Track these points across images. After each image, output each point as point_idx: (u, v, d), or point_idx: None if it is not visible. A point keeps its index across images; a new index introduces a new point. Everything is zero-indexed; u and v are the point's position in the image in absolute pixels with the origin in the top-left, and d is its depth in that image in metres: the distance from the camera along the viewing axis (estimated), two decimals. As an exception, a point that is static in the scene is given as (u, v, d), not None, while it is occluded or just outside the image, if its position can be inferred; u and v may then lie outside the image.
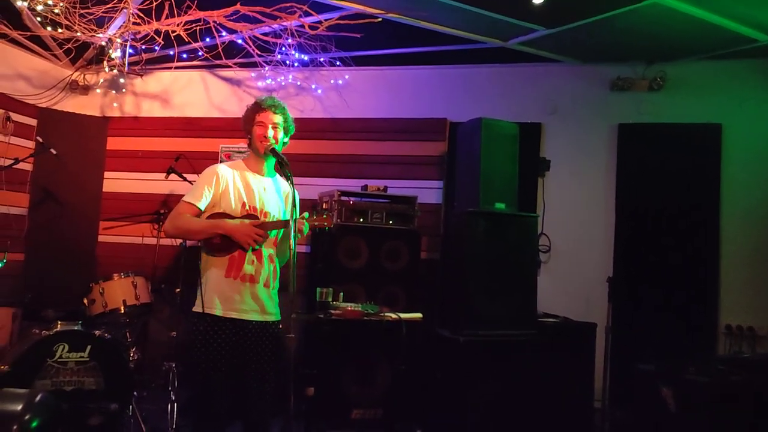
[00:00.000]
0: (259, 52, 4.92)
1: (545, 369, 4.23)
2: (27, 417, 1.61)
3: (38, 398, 1.70)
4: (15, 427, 1.58)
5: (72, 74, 5.91)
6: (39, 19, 4.45)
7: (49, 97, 5.83)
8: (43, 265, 5.55)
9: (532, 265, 4.39)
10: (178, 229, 3.04)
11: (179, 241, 5.41)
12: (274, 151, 3.05)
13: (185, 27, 4.54)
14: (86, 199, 5.94)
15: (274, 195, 3.16)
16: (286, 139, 3.19)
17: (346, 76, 5.50)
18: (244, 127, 3.17)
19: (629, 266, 5.15)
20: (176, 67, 5.35)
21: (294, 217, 2.90)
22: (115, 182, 6.01)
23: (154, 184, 5.85)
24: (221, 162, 5.19)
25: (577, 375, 4.39)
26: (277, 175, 3.24)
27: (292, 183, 2.97)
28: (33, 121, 5.69)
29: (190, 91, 5.99)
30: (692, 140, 5.12)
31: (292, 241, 2.83)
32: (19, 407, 1.63)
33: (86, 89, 6.04)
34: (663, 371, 3.68)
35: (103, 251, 5.91)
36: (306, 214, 3.02)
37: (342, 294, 3.76)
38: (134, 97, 6.05)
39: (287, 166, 2.98)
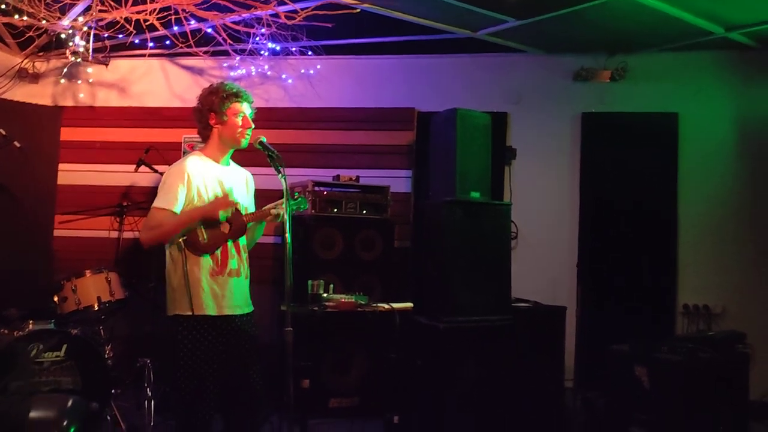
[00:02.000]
0: (230, 42, 4.83)
1: (519, 352, 4.35)
2: (65, 423, 1.57)
3: (69, 404, 1.67)
4: (55, 435, 1.55)
5: (22, 62, 5.65)
6: (3, 6, 4.23)
7: (-4, 85, 5.56)
8: (-3, 261, 5.32)
9: (507, 253, 4.49)
10: (156, 233, 2.87)
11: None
12: (263, 145, 2.99)
13: (153, 15, 4.40)
14: (40, 191, 5.70)
15: (237, 184, 3.12)
16: None
17: (318, 66, 5.47)
18: (208, 115, 3.00)
19: (593, 251, 5.35)
20: (146, 55, 5.19)
21: (289, 210, 2.88)
22: (71, 174, 5.77)
23: (113, 175, 5.66)
24: (184, 153, 5.13)
25: (549, 356, 4.54)
26: (232, 164, 3.17)
27: (284, 176, 2.92)
28: (-19, 112, 5.42)
29: (149, 80, 5.81)
30: (651, 128, 5.36)
31: (288, 234, 2.82)
32: (54, 414, 1.59)
33: (36, 77, 5.78)
34: (637, 351, 3.86)
35: (60, 246, 5.69)
36: (291, 200, 2.96)
37: (332, 286, 3.78)
38: (89, 86, 5.80)
39: (279, 159, 2.94)
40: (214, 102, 3.00)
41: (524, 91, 5.55)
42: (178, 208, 2.87)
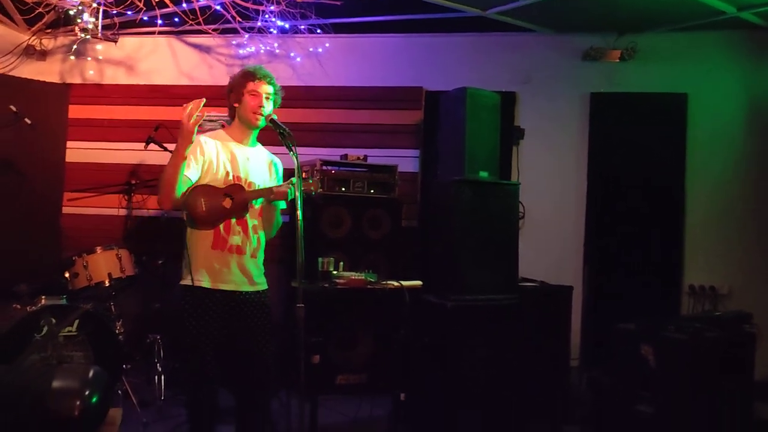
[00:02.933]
0: (239, 19, 4.81)
1: (525, 331, 4.38)
2: (87, 393, 1.60)
3: (91, 374, 1.70)
4: (78, 403, 1.57)
5: (29, 39, 5.63)
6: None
7: (4, 62, 5.54)
8: (7, 239, 5.34)
9: (514, 232, 4.51)
10: (160, 189, 2.92)
11: (153, 212, 5.33)
12: (274, 122, 3.02)
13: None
14: (48, 169, 5.72)
15: (258, 165, 3.14)
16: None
17: (327, 44, 5.45)
18: (230, 95, 3.09)
19: (600, 231, 5.37)
20: (155, 32, 5.18)
21: (300, 188, 2.88)
22: (79, 152, 5.79)
23: (121, 153, 5.69)
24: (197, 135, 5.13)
25: (555, 336, 4.58)
26: (259, 145, 3.22)
27: (295, 154, 2.93)
28: (-12, 88, 5.42)
29: (156, 58, 5.80)
30: (660, 109, 5.35)
31: (299, 211, 2.82)
32: (77, 384, 1.62)
33: (43, 54, 5.76)
34: (644, 330, 3.87)
35: (69, 223, 5.71)
36: (293, 179, 2.93)
37: (342, 263, 3.81)
38: (96, 64, 5.80)
39: (290, 137, 2.95)
40: (233, 82, 3.09)
41: (533, 71, 5.53)
42: (192, 174, 2.92)
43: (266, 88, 3.06)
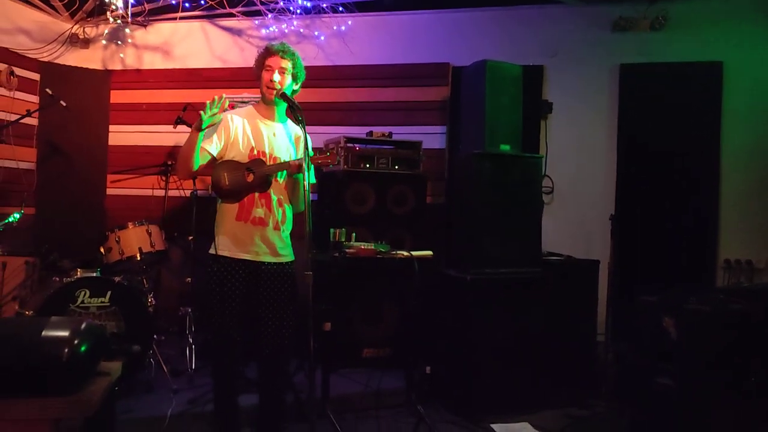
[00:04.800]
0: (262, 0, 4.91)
1: (551, 305, 4.36)
2: (76, 342, 1.71)
3: (83, 326, 1.81)
4: (66, 350, 1.69)
5: (72, 27, 5.88)
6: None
7: (50, 51, 5.80)
8: (55, 218, 5.63)
9: (537, 205, 4.48)
10: (178, 163, 3.16)
11: (188, 191, 5.49)
12: (284, 96, 3.09)
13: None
14: (93, 152, 5.99)
15: (284, 140, 3.22)
16: (296, 87, 3.23)
17: (349, 22, 5.49)
18: (255, 73, 3.20)
19: (631, 204, 5.25)
20: (180, 17, 5.32)
21: (307, 159, 2.94)
22: (121, 135, 6.05)
23: (159, 136, 5.89)
24: (225, 112, 5.27)
25: (581, 310, 4.54)
26: (289, 121, 3.30)
27: (303, 127, 2.98)
28: (35, 76, 5.69)
29: (190, 42, 5.97)
30: (694, 79, 5.17)
31: (306, 182, 2.88)
32: (67, 333, 1.74)
33: (86, 42, 6.01)
34: (665, 302, 3.80)
35: (112, 204, 5.98)
36: (310, 152, 3.02)
37: (354, 234, 3.88)
38: (135, 50, 6.03)
39: (299, 111, 3.00)
40: (256, 60, 3.21)
41: (561, 44, 5.42)
42: (213, 149, 3.07)
43: (280, 62, 3.12)
